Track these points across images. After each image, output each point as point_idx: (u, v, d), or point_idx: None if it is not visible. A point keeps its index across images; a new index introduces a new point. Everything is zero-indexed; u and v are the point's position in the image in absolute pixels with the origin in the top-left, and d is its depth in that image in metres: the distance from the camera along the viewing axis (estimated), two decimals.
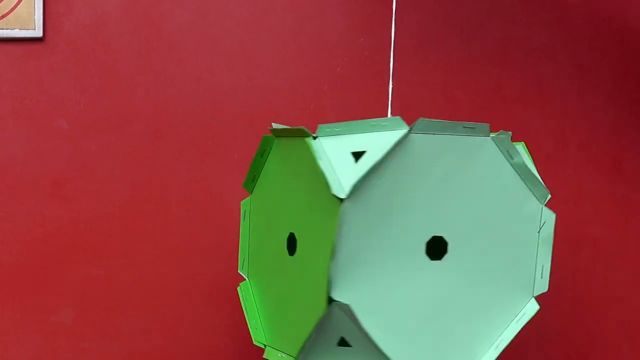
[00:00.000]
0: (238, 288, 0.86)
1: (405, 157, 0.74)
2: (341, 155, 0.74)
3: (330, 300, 0.71)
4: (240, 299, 0.86)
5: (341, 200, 0.71)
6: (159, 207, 1.10)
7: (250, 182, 0.87)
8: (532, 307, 0.79)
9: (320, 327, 0.74)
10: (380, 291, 0.74)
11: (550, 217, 0.80)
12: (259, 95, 1.11)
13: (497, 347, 0.77)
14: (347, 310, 0.72)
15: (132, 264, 1.09)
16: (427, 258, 0.75)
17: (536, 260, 0.80)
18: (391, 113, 0.84)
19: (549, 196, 0.80)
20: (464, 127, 0.76)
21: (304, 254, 0.77)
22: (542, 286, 0.79)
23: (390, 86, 0.89)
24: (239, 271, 0.87)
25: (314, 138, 0.76)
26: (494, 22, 1.14)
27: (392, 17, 1.11)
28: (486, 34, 1.14)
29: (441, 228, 0.76)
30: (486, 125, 0.77)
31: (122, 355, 1.08)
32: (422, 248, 0.75)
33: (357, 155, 0.74)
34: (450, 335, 0.77)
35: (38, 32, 1.08)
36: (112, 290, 1.08)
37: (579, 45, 1.15)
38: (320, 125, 0.76)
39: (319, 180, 0.73)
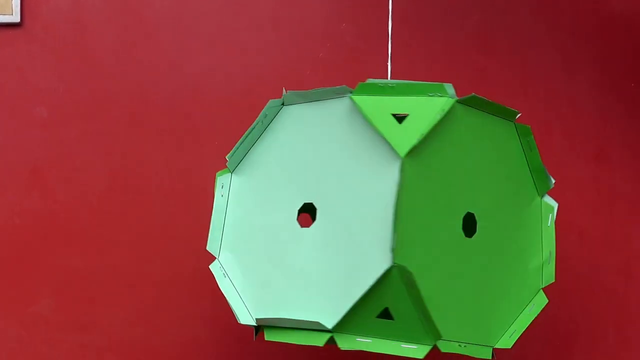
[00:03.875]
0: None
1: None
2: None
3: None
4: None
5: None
6: (138, 196, 1.09)
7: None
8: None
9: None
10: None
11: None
12: (240, 82, 1.11)
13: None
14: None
15: (111, 253, 1.08)
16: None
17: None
18: None
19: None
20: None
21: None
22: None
23: (389, 70, 0.88)
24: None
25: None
26: (477, 8, 1.14)
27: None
28: (470, 21, 1.14)
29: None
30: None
31: (101, 346, 1.06)
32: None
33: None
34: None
35: (15, 18, 1.07)
36: (91, 280, 1.07)
37: (563, 31, 1.15)
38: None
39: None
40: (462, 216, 0.75)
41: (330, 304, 0.73)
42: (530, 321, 0.77)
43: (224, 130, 1.09)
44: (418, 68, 1.11)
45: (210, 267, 0.83)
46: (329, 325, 0.72)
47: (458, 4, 1.13)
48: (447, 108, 0.72)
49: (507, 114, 0.78)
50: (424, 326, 0.72)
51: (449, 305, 0.74)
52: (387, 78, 0.88)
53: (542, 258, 0.80)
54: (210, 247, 0.84)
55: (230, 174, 0.85)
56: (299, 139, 0.79)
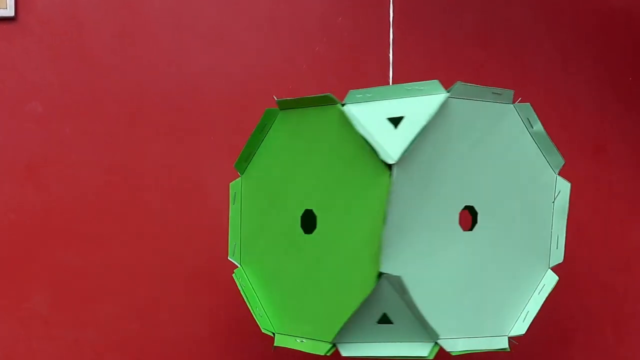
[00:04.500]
0: (234, 275, 0.83)
1: (443, 122, 0.73)
2: (377, 121, 0.73)
3: (380, 275, 0.69)
4: (239, 286, 0.83)
5: (389, 166, 0.69)
6: (135, 192, 1.08)
7: (244, 162, 0.83)
8: (551, 279, 0.78)
9: (364, 304, 0.72)
10: (422, 262, 0.72)
11: (565, 186, 0.79)
12: (237, 77, 1.10)
13: (524, 319, 0.77)
14: (397, 282, 0.70)
15: (107, 249, 1.07)
16: (459, 228, 0.74)
17: (551, 231, 0.79)
18: None
19: (563, 163, 0.79)
20: (493, 92, 0.75)
21: (330, 230, 0.74)
22: (558, 257, 0.79)
23: (391, 65, 0.87)
24: (229, 258, 0.84)
25: (342, 105, 0.74)
26: (476, 5, 1.13)
27: None
28: (468, 18, 1.13)
29: (472, 197, 0.75)
30: (510, 92, 0.75)
31: (97, 342, 1.06)
32: (456, 218, 0.74)
33: (395, 121, 0.73)
34: (483, 307, 0.76)
35: (10, 12, 1.06)
36: (87, 276, 1.07)
37: (561, 26, 1.14)
38: (350, 91, 0.74)
39: (355, 149, 0.72)
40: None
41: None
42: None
43: (221, 126, 1.09)
44: (416, 65, 1.11)
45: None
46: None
47: (457, 1, 1.13)
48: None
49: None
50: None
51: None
52: (386, 71, 0.88)
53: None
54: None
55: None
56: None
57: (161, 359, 1.06)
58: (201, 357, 1.06)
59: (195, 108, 1.09)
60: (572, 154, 1.12)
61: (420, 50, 1.11)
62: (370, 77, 1.09)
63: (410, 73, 1.10)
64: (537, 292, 0.78)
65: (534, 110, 0.77)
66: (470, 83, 0.73)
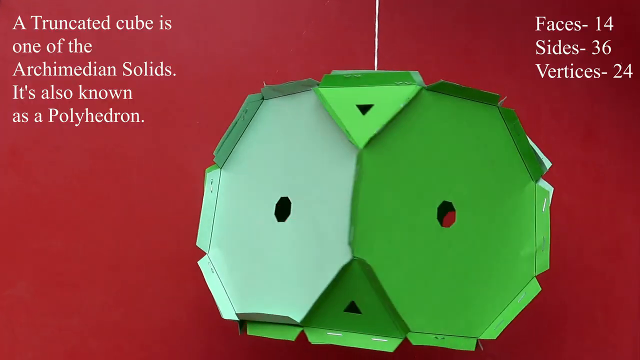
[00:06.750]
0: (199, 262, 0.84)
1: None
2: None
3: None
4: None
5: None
6: (118, 178, 1.07)
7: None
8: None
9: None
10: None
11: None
12: (221, 60, 1.09)
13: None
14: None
15: (91, 236, 1.06)
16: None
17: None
18: None
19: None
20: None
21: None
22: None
23: (376, 52, 0.87)
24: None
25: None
26: None
27: None
28: (457, 0, 1.13)
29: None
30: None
31: (82, 329, 1.05)
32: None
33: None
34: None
35: None
36: (71, 263, 1.06)
37: (552, 11, 1.14)
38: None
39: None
40: (437, 206, 0.74)
41: (301, 299, 0.73)
42: (520, 310, 0.75)
43: (206, 111, 1.08)
44: (404, 48, 1.10)
45: (198, 262, 0.84)
46: (298, 319, 0.71)
47: None
48: (411, 96, 0.71)
49: (487, 99, 0.76)
50: (392, 319, 0.71)
51: (421, 297, 0.73)
52: (373, 58, 0.87)
53: (536, 245, 0.78)
54: (200, 243, 0.84)
55: (219, 169, 0.85)
56: (277, 133, 0.80)
57: (146, 346, 1.06)
58: (187, 343, 1.06)
59: (179, 92, 1.08)
60: (563, 138, 1.12)
61: (409, 34, 1.11)
62: (357, 61, 1.09)
63: (398, 57, 1.10)
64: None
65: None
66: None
